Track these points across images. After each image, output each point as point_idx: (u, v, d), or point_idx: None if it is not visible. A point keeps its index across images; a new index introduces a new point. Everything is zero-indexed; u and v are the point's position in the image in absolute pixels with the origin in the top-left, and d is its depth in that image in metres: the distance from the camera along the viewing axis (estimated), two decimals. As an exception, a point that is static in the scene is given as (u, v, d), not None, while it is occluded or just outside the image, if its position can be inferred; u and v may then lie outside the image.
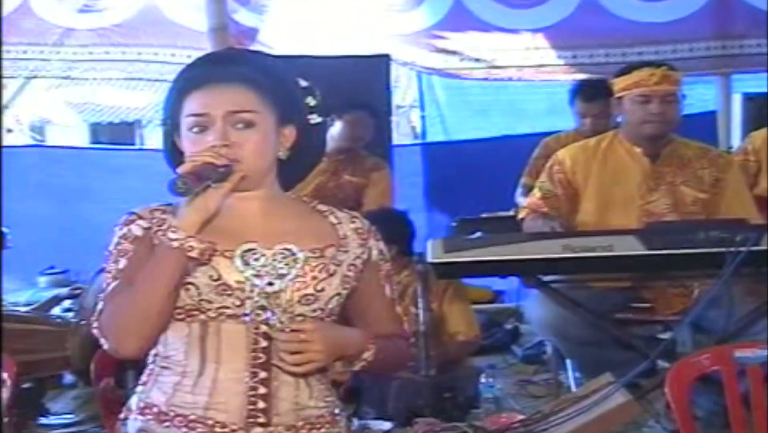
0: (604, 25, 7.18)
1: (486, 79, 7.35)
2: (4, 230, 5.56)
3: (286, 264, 2.00)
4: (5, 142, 10.93)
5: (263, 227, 2.03)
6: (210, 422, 1.96)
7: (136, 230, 2.02)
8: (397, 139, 8.60)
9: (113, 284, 1.98)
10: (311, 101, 2.12)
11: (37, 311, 5.32)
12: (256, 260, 1.99)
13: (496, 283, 6.25)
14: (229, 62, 2.10)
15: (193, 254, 1.91)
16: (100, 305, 1.98)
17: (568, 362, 4.57)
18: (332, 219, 2.14)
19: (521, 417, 4.11)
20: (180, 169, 1.92)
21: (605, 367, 3.98)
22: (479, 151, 7.45)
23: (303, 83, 2.13)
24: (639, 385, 3.92)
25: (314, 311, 2.02)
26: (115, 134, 10.35)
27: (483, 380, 4.81)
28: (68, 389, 5.05)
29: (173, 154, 2.09)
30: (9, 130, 12.07)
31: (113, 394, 3.22)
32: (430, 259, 3.87)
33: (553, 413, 3.90)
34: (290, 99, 2.08)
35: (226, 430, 1.97)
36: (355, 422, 4.29)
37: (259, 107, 2.02)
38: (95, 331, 1.98)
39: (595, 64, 7.10)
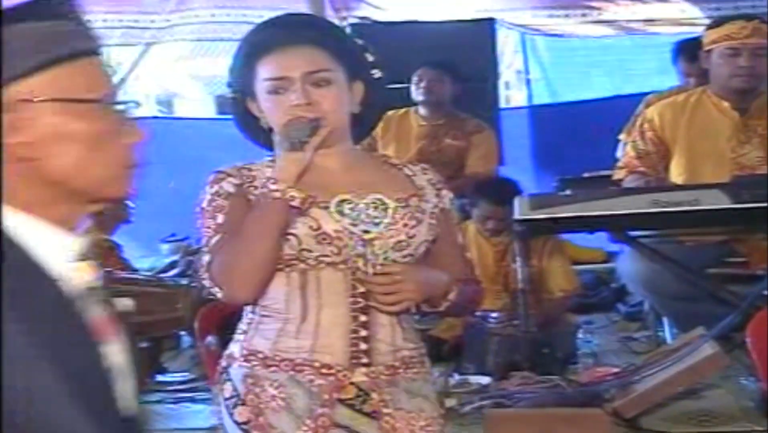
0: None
1: (591, 36, 7.28)
2: (129, 204, 5.82)
3: (379, 213, 2.10)
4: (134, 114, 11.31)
5: (349, 180, 2.13)
6: (317, 364, 2.07)
7: (228, 186, 2.12)
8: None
9: (215, 238, 2.08)
10: (369, 57, 2.22)
11: (154, 275, 5.53)
12: (351, 209, 2.09)
13: (610, 244, 6.19)
14: (294, 25, 2.20)
15: (295, 203, 2.02)
16: (206, 258, 2.07)
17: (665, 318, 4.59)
18: (407, 171, 2.24)
19: (615, 371, 4.17)
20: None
21: (700, 321, 4.00)
22: (587, 112, 7.38)
23: (358, 41, 2.24)
24: (732, 338, 3.90)
25: (405, 257, 2.11)
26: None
27: (580, 336, 4.87)
28: (186, 350, 5.22)
29: (245, 119, 2.20)
30: (137, 104, 12.43)
31: (216, 350, 3.34)
32: (516, 216, 3.96)
33: (646, 365, 3.95)
34: (354, 56, 2.19)
35: (332, 371, 2.07)
36: (456, 376, 4.40)
37: (331, 65, 2.12)
38: (206, 282, 2.07)
39: (707, 17, 6.63)
